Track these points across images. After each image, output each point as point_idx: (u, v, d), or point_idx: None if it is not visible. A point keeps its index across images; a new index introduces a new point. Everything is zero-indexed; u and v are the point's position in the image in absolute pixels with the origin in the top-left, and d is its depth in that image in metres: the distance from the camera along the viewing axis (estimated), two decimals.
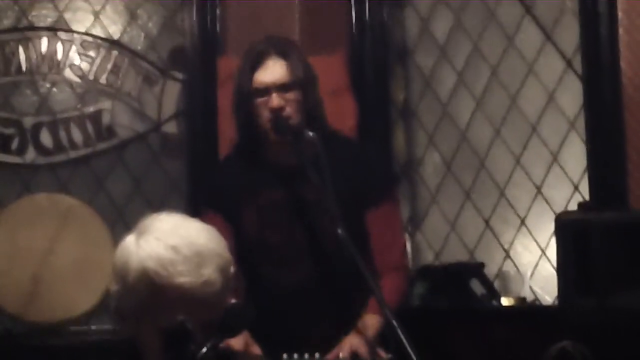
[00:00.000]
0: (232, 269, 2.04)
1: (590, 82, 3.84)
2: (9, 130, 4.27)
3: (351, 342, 2.90)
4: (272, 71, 3.01)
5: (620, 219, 3.10)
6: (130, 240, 2.00)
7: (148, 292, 1.95)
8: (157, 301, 1.96)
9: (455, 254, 4.19)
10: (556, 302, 3.71)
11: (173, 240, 1.97)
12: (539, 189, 4.11)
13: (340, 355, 2.87)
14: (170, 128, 4.37)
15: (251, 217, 3.10)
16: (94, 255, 4.04)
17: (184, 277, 1.94)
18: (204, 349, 1.80)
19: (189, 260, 1.95)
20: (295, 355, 2.85)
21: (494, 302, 3.95)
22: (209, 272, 1.96)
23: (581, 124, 3.93)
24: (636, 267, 2.84)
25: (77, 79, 4.33)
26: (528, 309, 3.91)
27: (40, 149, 4.29)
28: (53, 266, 4.03)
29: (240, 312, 1.94)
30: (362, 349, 2.88)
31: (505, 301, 3.95)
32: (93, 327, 4.08)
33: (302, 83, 3.03)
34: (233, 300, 1.96)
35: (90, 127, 4.33)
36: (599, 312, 2.83)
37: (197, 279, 1.94)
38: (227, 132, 4.00)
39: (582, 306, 2.89)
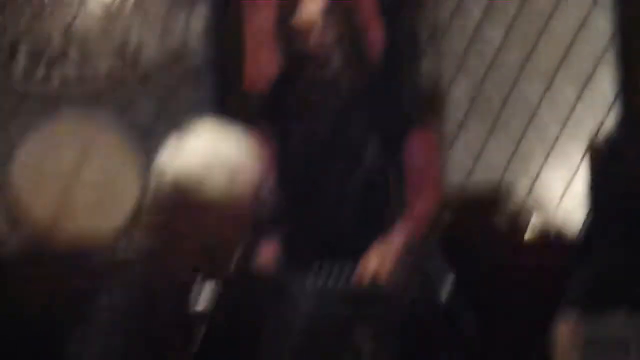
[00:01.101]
0: (263, 184, 2.08)
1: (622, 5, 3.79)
2: (34, 59, 4.25)
3: (378, 254, 2.90)
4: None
5: None
6: (164, 155, 2.05)
7: (178, 204, 2.00)
8: (187, 213, 1.99)
9: (482, 181, 4.18)
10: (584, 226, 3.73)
11: (205, 154, 2.01)
12: (569, 114, 4.09)
13: (368, 267, 2.87)
14: (197, 52, 4.34)
15: (296, 132, 3.11)
16: (118, 182, 4.04)
17: (214, 190, 1.98)
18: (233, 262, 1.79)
19: (219, 174, 1.98)
20: (324, 268, 2.85)
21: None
22: (238, 185, 1.99)
23: (613, 48, 3.88)
24: None
25: (104, 4, 4.29)
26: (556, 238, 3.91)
27: (66, 76, 4.27)
28: (78, 192, 4.04)
29: (273, 214, 1.93)
30: (387, 263, 2.88)
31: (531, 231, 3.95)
32: (118, 253, 4.09)
33: (340, 13, 3.04)
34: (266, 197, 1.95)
35: (116, 53, 4.30)
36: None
37: (226, 192, 1.98)
38: (254, 56, 3.98)
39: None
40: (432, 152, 3.22)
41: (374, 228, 3.01)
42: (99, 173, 4.05)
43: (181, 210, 1.99)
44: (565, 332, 2.50)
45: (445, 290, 2.42)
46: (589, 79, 3.99)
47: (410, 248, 2.92)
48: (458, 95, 4.25)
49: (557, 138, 4.11)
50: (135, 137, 4.16)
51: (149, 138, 4.15)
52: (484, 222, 3.88)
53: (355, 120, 3.00)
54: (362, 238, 2.98)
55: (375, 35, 3.91)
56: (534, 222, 3.98)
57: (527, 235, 3.91)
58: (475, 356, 2.18)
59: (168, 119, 4.26)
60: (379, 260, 2.90)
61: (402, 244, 2.94)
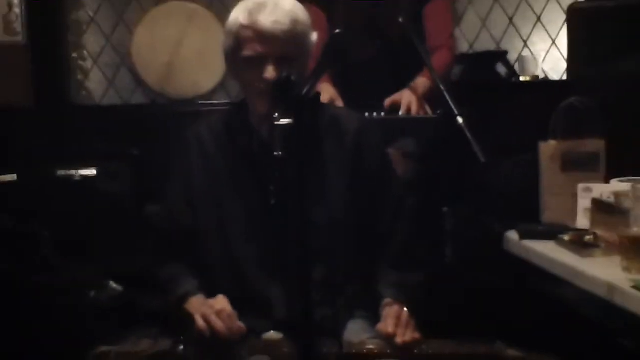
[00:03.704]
0: (308, 30, 2.01)
1: None
2: None
3: (405, 96, 2.79)
4: None
5: (615, 6, 2.90)
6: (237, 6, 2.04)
7: (238, 31, 1.99)
8: (244, 36, 1.98)
9: (485, 44, 4.04)
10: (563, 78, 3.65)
11: (262, 1, 1.99)
12: None
13: (401, 112, 2.80)
14: None
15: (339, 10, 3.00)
16: (212, 47, 3.96)
17: (261, 18, 1.96)
18: (305, 89, 1.75)
19: (267, 9, 1.97)
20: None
21: (514, 79, 3.88)
22: (280, 17, 1.96)
23: None
24: (630, 42, 2.69)
25: None
26: (541, 83, 3.84)
27: None
28: (183, 55, 3.99)
29: (341, 40, 1.88)
30: (415, 104, 2.79)
31: (523, 79, 3.88)
32: (215, 101, 4.08)
33: None
34: (337, 30, 1.90)
35: None
36: (600, 79, 2.71)
37: (269, 19, 1.96)
38: None
39: (586, 74, 2.77)
40: (449, 16, 3.11)
41: (402, 78, 2.93)
42: (198, 40, 4.01)
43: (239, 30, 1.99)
44: (548, 149, 2.48)
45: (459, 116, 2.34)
46: None
47: (432, 89, 2.84)
48: None
49: (542, 10, 4.01)
50: (224, 13, 4.08)
51: None
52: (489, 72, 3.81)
53: None
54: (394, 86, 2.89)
55: None
56: (525, 73, 3.92)
57: (521, 79, 3.85)
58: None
59: None
60: (410, 97, 2.84)
61: (426, 86, 2.88)
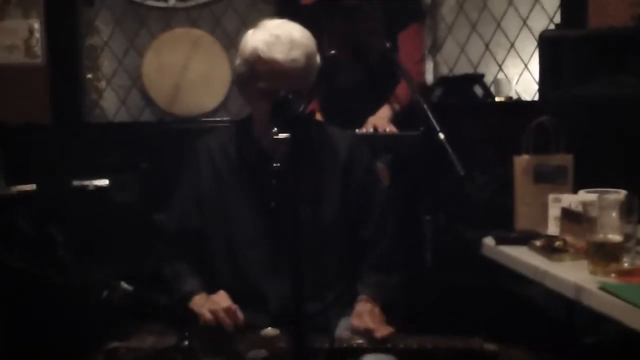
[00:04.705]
0: (317, 59, 2.00)
1: None
2: None
3: (373, 121, 2.80)
4: None
5: (582, 34, 2.93)
6: (250, 32, 2.01)
7: (255, 62, 1.96)
8: (261, 69, 1.95)
9: (463, 69, 4.05)
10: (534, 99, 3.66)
11: (276, 31, 1.95)
12: (524, 21, 3.96)
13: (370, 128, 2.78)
14: None
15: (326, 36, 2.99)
16: (215, 70, 3.98)
17: (279, 55, 1.92)
18: (301, 108, 1.75)
19: (284, 45, 1.93)
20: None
21: (490, 100, 3.89)
22: (297, 54, 1.93)
23: None
24: (593, 67, 2.70)
25: None
26: (514, 103, 3.85)
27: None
28: (188, 77, 3.99)
29: (335, 61, 1.86)
30: (381, 123, 2.77)
31: (498, 100, 3.89)
32: (217, 119, 4.08)
33: None
34: (332, 52, 1.88)
35: None
36: (568, 100, 2.72)
37: (287, 57, 1.92)
38: None
39: (555, 96, 2.78)
40: (420, 42, 3.10)
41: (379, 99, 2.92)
42: (203, 64, 4.01)
43: (255, 64, 1.95)
44: (521, 163, 2.48)
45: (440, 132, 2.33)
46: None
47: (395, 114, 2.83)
48: (446, 9, 4.12)
49: (516, 38, 4.03)
50: (226, 40, 4.09)
51: (234, 40, 4.10)
52: (467, 94, 3.81)
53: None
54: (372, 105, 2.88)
55: None
56: (499, 94, 3.93)
57: (496, 100, 3.85)
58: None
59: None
60: (381, 119, 2.82)
61: (388, 113, 2.86)
